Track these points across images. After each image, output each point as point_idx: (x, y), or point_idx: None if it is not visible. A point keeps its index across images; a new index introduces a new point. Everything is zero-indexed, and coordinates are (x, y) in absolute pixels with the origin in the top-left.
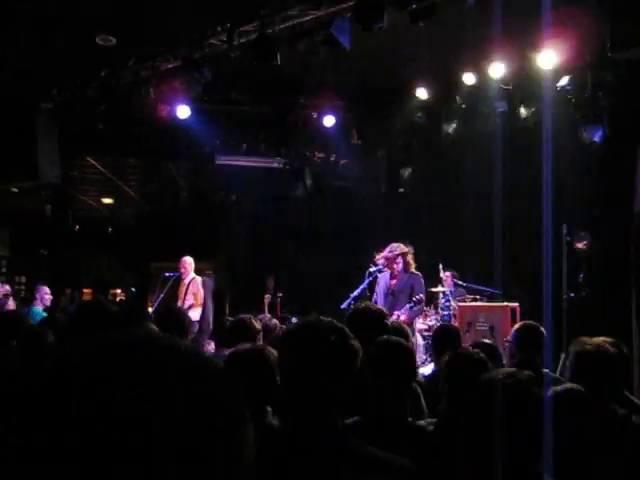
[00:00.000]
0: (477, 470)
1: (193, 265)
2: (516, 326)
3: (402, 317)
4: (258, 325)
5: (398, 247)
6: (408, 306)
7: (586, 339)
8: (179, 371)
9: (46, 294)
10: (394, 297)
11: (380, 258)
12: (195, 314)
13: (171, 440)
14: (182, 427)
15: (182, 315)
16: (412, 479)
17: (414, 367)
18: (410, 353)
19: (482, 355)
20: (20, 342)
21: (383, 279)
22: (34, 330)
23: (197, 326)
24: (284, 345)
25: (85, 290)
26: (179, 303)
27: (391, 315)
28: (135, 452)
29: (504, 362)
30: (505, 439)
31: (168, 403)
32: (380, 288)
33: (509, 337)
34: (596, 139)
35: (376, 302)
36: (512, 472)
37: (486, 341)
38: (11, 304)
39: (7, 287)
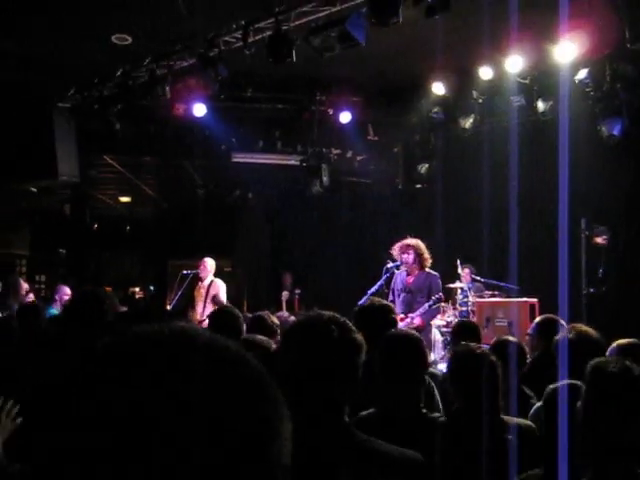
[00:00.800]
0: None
1: (214, 267)
2: (537, 319)
3: (416, 320)
4: (277, 321)
5: (411, 241)
6: (427, 305)
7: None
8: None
9: (65, 295)
10: (412, 295)
11: (395, 251)
12: None
13: (215, 436)
14: (225, 423)
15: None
16: (423, 473)
17: (425, 358)
18: (419, 344)
19: (485, 350)
20: None
21: (400, 277)
22: None
23: None
24: (287, 340)
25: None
26: (199, 305)
27: (406, 316)
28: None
29: (528, 358)
30: None
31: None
32: (397, 286)
33: (530, 330)
34: (615, 132)
35: (393, 299)
36: None
37: (510, 338)
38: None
39: (25, 285)
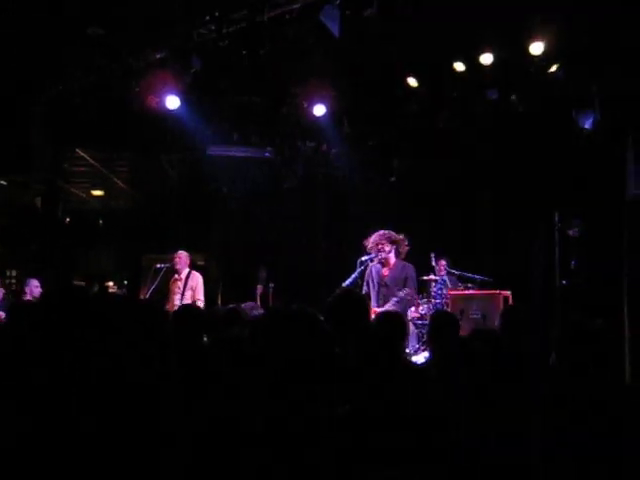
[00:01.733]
0: None
1: (189, 259)
2: (502, 309)
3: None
4: (249, 314)
5: (385, 232)
6: (394, 300)
7: None
8: None
9: (35, 287)
10: (387, 288)
11: (369, 244)
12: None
13: None
14: None
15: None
16: (402, 463)
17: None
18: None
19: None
20: None
21: (374, 269)
22: None
23: None
24: (255, 334)
25: (77, 283)
26: (176, 298)
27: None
28: None
29: None
30: None
31: None
32: (372, 278)
33: (496, 322)
34: (587, 125)
35: (367, 293)
36: None
37: (488, 329)
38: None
39: None
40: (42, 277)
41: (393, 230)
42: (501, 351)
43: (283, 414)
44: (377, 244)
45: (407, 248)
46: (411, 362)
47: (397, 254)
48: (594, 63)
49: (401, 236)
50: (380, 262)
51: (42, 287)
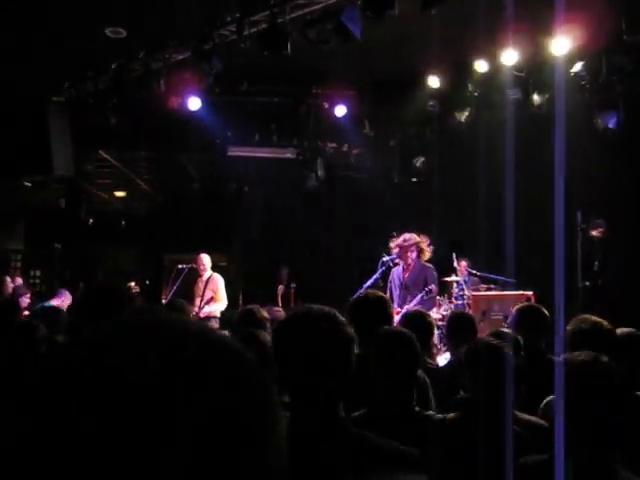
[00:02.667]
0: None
1: (210, 261)
2: (516, 307)
3: (415, 308)
4: (267, 315)
5: (412, 237)
6: (419, 296)
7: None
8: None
9: (68, 300)
10: (407, 290)
11: (394, 247)
12: (214, 309)
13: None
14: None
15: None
16: (417, 467)
17: (417, 356)
18: (413, 342)
19: (500, 342)
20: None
21: (396, 273)
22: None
23: (217, 322)
24: (277, 335)
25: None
26: (197, 300)
27: (402, 310)
28: (150, 442)
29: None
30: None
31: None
32: (394, 281)
33: (509, 320)
34: (611, 125)
35: (391, 295)
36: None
37: (506, 330)
38: (26, 300)
39: (19, 280)
40: (65, 277)
41: (415, 231)
42: (517, 351)
43: (300, 414)
44: (401, 247)
45: (430, 250)
46: (432, 363)
47: (419, 256)
48: (618, 62)
49: (424, 238)
50: (402, 265)
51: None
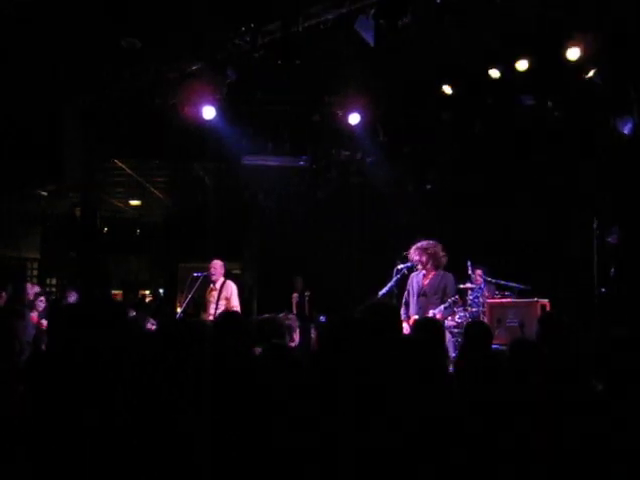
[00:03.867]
0: None
1: (224, 268)
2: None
3: (437, 315)
4: (287, 322)
5: (428, 243)
6: (442, 307)
7: None
8: None
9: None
10: (426, 298)
11: (411, 252)
12: None
13: None
14: None
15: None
16: None
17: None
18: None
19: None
20: None
21: (415, 279)
22: None
23: None
24: (327, 338)
25: (114, 292)
26: (211, 307)
27: (426, 314)
28: None
29: None
30: None
31: None
32: (412, 288)
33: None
34: (626, 131)
35: (407, 301)
36: None
37: (528, 339)
38: (41, 305)
39: (37, 288)
40: (80, 287)
41: (430, 238)
42: (539, 359)
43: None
44: (417, 255)
45: (445, 259)
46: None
47: (436, 264)
48: (632, 67)
49: (439, 246)
50: (422, 271)
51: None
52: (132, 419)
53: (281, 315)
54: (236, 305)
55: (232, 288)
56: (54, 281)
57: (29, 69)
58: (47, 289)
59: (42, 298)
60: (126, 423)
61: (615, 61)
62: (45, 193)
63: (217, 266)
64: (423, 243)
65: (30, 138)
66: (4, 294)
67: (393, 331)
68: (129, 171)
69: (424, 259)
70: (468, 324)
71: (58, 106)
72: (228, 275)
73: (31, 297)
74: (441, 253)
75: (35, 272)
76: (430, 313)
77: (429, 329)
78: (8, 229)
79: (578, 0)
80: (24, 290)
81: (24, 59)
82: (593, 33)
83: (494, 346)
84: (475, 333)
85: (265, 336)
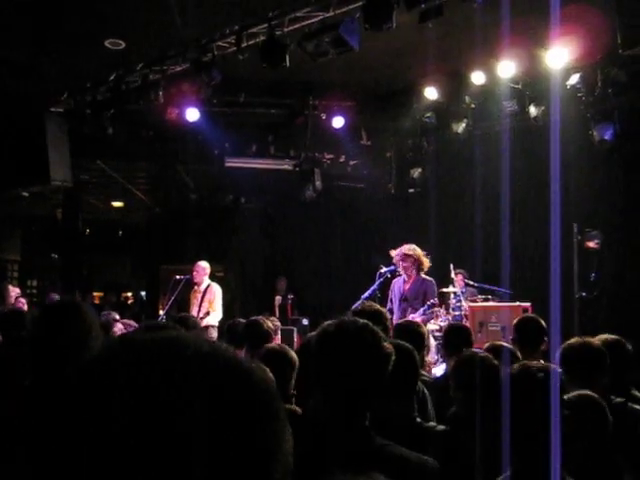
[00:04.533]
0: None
1: (208, 270)
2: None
3: (417, 320)
4: (272, 325)
5: (410, 248)
6: (422, 310)
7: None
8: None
9: None
10: (407, 302)
11: (396, 255)
12: (212, 319)
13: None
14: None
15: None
16: (437, 478)
17: (417, 369)
18: (413, 355)
19: (488, 355)
20: None
21: (397, 285)
22: None
23: (216, 331)
24: (320, 344)
25: (96, 293)
26: (194, 309)
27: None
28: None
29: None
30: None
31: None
32: (394, 294)
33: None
34: (606, 137)
35: (391, 308)
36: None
37: (504, 344)
38: (24, 308)
39: (17, 290)
40: (62, 287)
41: (412, 242)
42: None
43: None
44: (400, 259)
45: (429, 263)
46: (426, 375)
47: (418, 269)
48: (613, 74)
49: (424, 252)
50: (403, 277)
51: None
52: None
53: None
54: (218, 308)
55: (216, 291)
56: (35, 283)
57: (13, 70)
58: (27, 291)
59: (22, 300)
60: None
61: (596, 68)
62: (26, 194)
63: (201, 269)
64: (408, 249)
65: (13, 139)
66: None
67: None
68: (112, 173)
69: (407, 264)
70: (446, 328)
71: (42, 107)
72: (211, 277)
73: (12, 299)
74: (423, 258)
75: (15, 274)
76: (410, 317)
77: (410, 332)
78: None
79: (559, 6)
80: (6, 291)
81: (7, 60)
82: (575, 40)
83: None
84: (453, 335)
85: (251, 339)
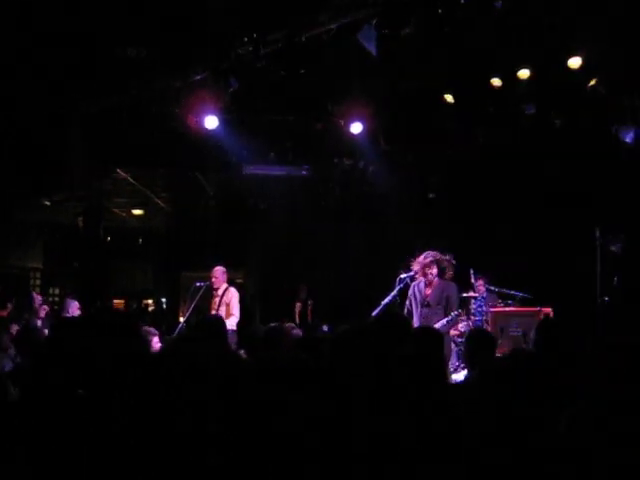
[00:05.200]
0: None
1: (225, 275)
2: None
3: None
4: (292, 333)
5: (433, 254)
6: (445, 321)
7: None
8: None
9: (77, 309)
10: (429, 308)
11: (415, 264)
12: (230, 323)
13: None
14: None
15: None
16: None
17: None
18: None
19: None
20: None
21: (417, 288)
22: None
23: (235, 335)
24: (337, 348)
25: (117, 301)
26: (212, 313)
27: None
28: None
29: None
30: None
31: None
32: (415, 298)
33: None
34: (628, 140)
35: (409, 311)
36: None
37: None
38: (43, 312)
39: (39, 298)
40: (82, 297)
41: (431, 248)
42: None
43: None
44: (423, 265)
45: (452, 268)
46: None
47: (441, 274)
48: (634, 76)
49: (447, 256)
50: (424, 281)
51: (82, 308)
52: (131, 422)
53: (287, 325)
54: (235, 312)
55: (233, 294)
56: (57, 291)
57: (35, 78)
58: (50, 299)
59: (45, 306)
60: (124, 426)
61: (617, 70)
62: (48, 203)
63: (218, 273)
64: (429, 253)
65: (36, 147)
66: (9, 305)
67: (405, 343)
68: (132, 180)
69: (429, 268)
70: (469, 333)
71: (63, 115)
72: (231, 283)
73: (37, 306)
74: (447, 263)
75: (38, 282)
76: (436, 325)
77: (427, 339)
78: (12, 239)
79: (580, 8)
80: (32, 299)
81: (30, 68)
82: (595, 41)
83: (498, 355)
84: (476, 341)
85: (271, 345)
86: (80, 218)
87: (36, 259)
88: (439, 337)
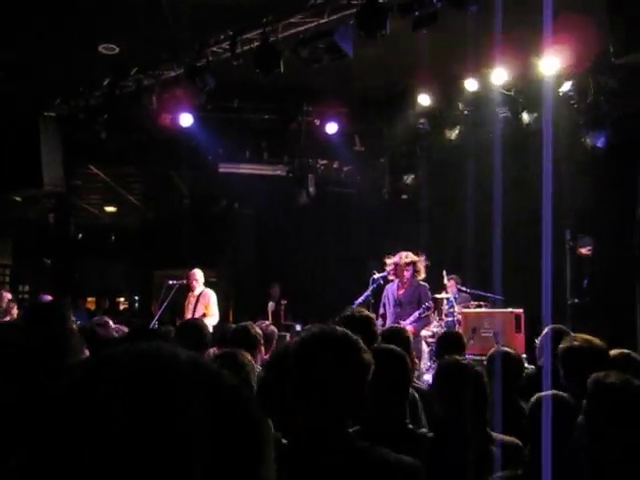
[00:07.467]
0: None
1: (203, 277)
2: (545, 329)
3: (408, 327)
4: (260, 331)
5: (407, 255)
6: (417, 313)
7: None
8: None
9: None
10: (401, 308)
11: (390, 264)
12: (208, 323)
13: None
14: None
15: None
16: (420, 478)
17: (409, 374)
18: (404, 360)
19: (470, 361)
20: None
21: (390, 290)
22: None
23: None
24: (298, 353)
25: (89, 298)
26: (188, 314)
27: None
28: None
29: (527, 368)
30: None
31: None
32: (388, 299)
33: (538, 340)
34: (599, 144)
35: (384, 314)
36: None
37: (508, 350)
38: (14, 312)
39: (9, 295)
40: (54, 292)
41: (405, 249)
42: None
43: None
44: (397, 265)
45: (425, 269)
46: (417, 382)
47: (414, 274)
48: (606, 81)
49: (420, 257)
50: (397, 282)
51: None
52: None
53: (263, 323)
54: (214, 313)
55: (210, 296)
56: (26, 288)
57: (7, 74)
58: (19, 296)
59: (14, 305)
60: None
61: (588, 75)
62: (19, 199)
63: (197, 275)
64: (403, 253)
65: (6, 144)
66: None
67: (369, 342)
68: (105, 177)
69: (404, 269)
70: (440, 336)
71: (35, 112)
72: (204, 283)
73: (4, 304)
74: (421, 264)
75: (7, 279)
76: (401, 324)
77: (394, 338)
78: None
79: (551, 14)
80: (1, 298)
81: (1, 64)
82: (568, 47)
83: (468, 356)
84: (446, 343)
85: (238, 344)
86: (51, 214)
87: (5, 255)
88: (406, 334)
